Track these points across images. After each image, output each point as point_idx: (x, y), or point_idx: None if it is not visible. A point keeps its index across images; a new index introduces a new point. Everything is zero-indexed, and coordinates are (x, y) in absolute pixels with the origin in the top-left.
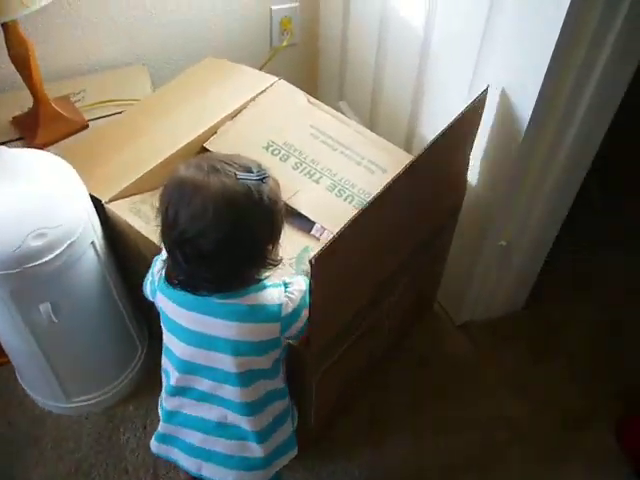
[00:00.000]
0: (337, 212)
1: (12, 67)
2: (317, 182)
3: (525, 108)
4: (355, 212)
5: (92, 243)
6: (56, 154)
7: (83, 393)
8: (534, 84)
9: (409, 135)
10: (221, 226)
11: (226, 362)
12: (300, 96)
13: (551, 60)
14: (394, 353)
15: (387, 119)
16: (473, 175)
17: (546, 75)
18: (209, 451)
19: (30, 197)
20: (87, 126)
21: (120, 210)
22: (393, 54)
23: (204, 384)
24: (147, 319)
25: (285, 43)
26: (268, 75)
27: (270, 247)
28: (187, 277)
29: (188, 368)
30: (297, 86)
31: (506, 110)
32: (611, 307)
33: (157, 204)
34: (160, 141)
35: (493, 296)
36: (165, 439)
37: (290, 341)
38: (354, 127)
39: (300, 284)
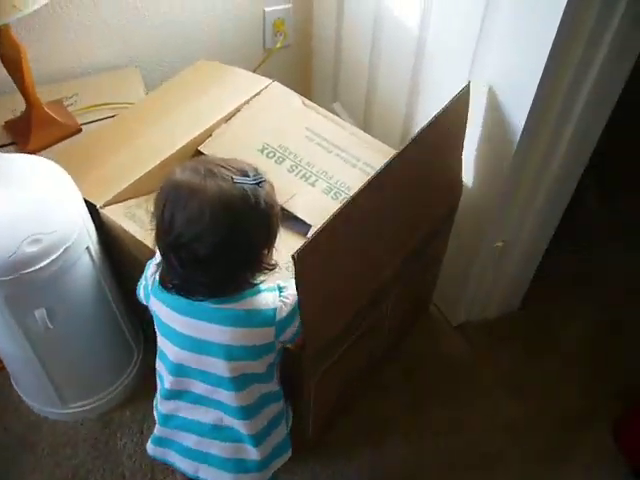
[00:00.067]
0: None
1: (4, 71)
2: (313, 185)
3: (521, 108)
4: None
5: (87, 248)
6: (49, 159)
7: (79, 399)
8: (530, 84)
9: (404, 136)
10: (217, 230)
11: (219, 366)
12: (295, 98)
13: (548, 59)
14: (393, 353)
15: (382, 120)
16: (469, 176)
17: (543, 75)
18: (205, 453)
19: (24, 203)
20: (80, 130)
21: (115, 215)
22: (387, 54)
23: (199, 387)
24: (142, 323)
25: (279, 45)
26: (262, 77)
27: (266, 251)
28: (182, 281)
29: (182, 372)
30: (290, 88)
31: (502, 110)
32: (609, 307)
33: (152, 208)
34: (154, 144)
35: (489, 297)
36: (161, 442)
37: (286, 345)
38: (349, 129)
39: (294, 288)
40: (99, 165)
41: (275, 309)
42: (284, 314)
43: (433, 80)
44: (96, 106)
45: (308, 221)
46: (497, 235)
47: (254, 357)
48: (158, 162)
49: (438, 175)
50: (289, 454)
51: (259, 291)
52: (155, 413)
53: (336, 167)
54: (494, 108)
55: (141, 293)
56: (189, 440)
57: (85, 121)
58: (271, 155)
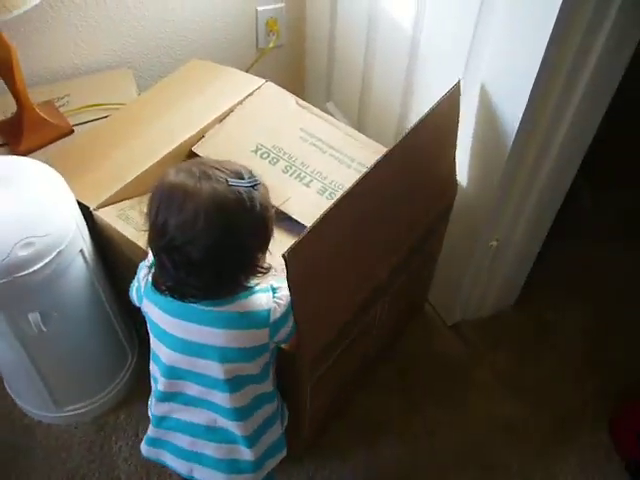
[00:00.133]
0: None
1: None
2: (307, 186)
3: (516, 108)
4: None
5: (81, 251)
6: (42, 161)
7: (73, 402)
8: (525, 84)
9: (398, 136)
10: (211, 233)
11: (214, 369)
12: (289, 98)
13: (542, 60)
14: (388, 353)
15: (376, 120)
16: (463, 176)
17: (537, 75)
18: (199, 454)
19: (16, 206)
20: (72, 131)
21: (108, 217)
22: (382, 54)
23: (193, 389)
24: (136, 325)
25: (271, 44)
26: (255, 77)
27: (260, 255)
28: (175, 283)
29: (175, 374)
30: (284, 87)
31: (496, 109)
32: (602, 305)
33: (146, 210)
34: (148, 145)
35: (484, 296)
36: (155, 443)
37: (281, 345)
38: (344, 129)
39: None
40: (92, 167)
41: (269, 310)
42: (278, 315)
43: (427, 80)
44: (88, 107)
45: (303, 222)
46: (491, 234)
47: (248, 359)
48: (151, 163)
49: (431, 174)
50: (283, 453)
51: (253, 292)
52: (150, 414)
53: (331, 167)
54: (488, 108)
55: (134, 295)
56: (183, 441)
57: (77, 122)
58: (265, 156)
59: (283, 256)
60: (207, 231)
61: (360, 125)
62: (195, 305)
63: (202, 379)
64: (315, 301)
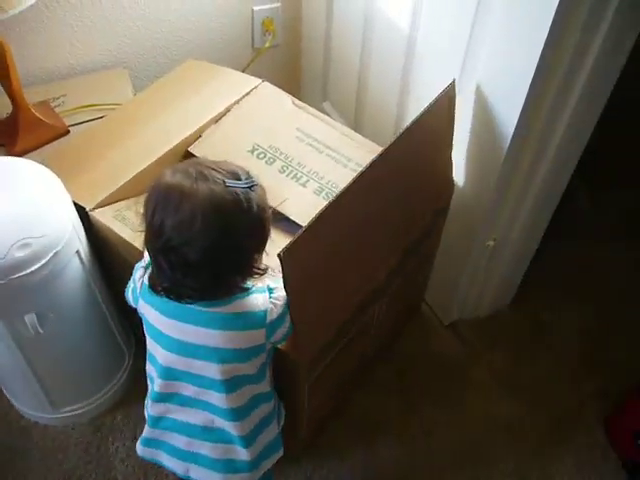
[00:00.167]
0: None
1: None
2: (304, 186)
3: (512, 108)
4: None
5: (77, 252)
6: (37, 161)
7: (70, 403)
8: (522, 85)
9: (395, 136)
10: (208, 234)
11: (211, 370)
12: (285, 98)
13: (539, 60)
14: (386, 354)
15: (372, 120)
16: (460, 175)
17: (534, 75)
18: (195, 454)
19: (13, 207)
20: (68, 132)
21: (104, 218)
22: (378, 54)
23: (189, 390)
24: (133, 325)
25: (267, 44)
26: (252, 77)
27: (257, 256)
28: (171, 284)
29: (171, 375)
30: (280, 87)
31: (493, 110)
32: (603, 305)
33: (142, 210)
34: (144, 146)
35: (481, 295)
36: (150, 443)
37: (276, 345)
38: (340, 129)
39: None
40: (88, 167)
41: (266, 311)
42: (275, 315)
43: (423, 80)
44: (84, 107)
45: (300, 222)
46: (488, 234)
47: (245, 359)
48: (148, 164)
49: (427, 174)
50: (280, 453)
51: (249, 293)
52: (146, 414)
53: (327, 167)
54: (485, 108)
55: (130, 296)
56: (179, 441)
57: (73, 122)
58: (262, 156)
59: (278, 256)
60: (204, 232)
61: (357, 125)
62: (191, 306)
63: (198, 380)
64: (312, 301)
